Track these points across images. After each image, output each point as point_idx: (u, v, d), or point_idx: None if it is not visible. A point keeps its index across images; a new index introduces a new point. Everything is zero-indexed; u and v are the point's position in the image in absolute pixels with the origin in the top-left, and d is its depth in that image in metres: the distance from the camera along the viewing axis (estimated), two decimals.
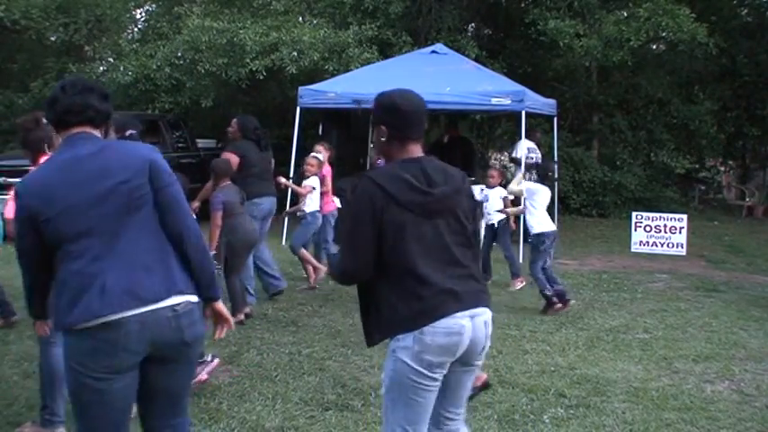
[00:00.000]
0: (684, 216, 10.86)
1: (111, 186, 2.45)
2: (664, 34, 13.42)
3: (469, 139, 13.29)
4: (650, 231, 10.68)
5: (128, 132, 4.78)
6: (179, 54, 13.49)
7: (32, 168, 3.83)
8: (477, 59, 12.45)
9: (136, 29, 19.04)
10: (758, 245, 12.02)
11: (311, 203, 7.43)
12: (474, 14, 15.48)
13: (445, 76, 10.09)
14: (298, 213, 7.65)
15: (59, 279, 2.47)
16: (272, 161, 7.30)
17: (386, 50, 13.05)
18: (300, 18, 13.41)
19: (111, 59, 16.24)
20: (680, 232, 10.62)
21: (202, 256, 2.61)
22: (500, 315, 6.64)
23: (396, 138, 2.69)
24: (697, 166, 18.13)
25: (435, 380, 2.61)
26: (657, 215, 10.91)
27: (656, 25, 12.65)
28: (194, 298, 2.58)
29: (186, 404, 2.76)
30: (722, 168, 20.30)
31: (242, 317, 6.01)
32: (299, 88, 10.32)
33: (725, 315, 6.97)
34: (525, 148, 10.23)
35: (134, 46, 15.08)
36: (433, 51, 11.24)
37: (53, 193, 2.44)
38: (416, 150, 2.70)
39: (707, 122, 16.24)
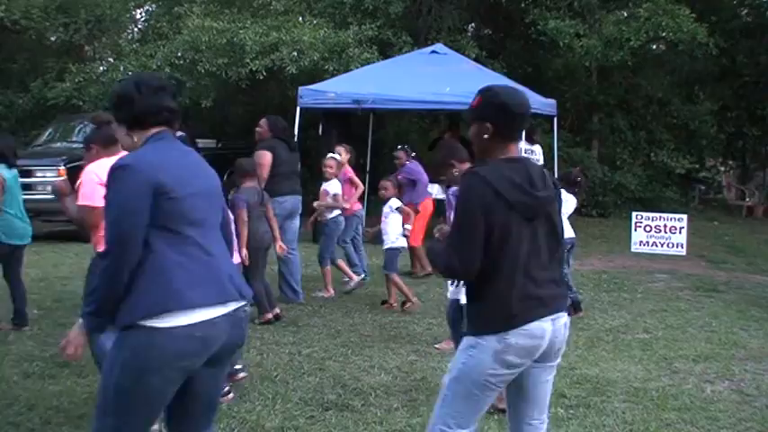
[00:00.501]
0: (684, 216, 10.86)
1: (214, 186, 2.60)
2: (664, 34, 13.41)
3: (470, 140, 13.26)
4: (650, 231, 10.68)
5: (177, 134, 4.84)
6: (179, 54, 13.49)
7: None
8: (477, 59, 12.45)
9: (136, 29, 19.04)
10: (758, 245, 12.03)
11: (331, 210, 7.35)
12: (474, 14, 15.48)
13: (445, 76, 10.08)
14: (319, 219, 7.52)
15: (164, 263, 2.36)
16: (299, 162, 7.29)
17: (386, 50, 13.06)
18: (300, 18, 13.40)
19: (111, 59, 16.24)
20: (680, 232, 10.62)
21: None
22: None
23: (499, 136, 2.64)
24: (697, 166, 18.12)
25: (505, 381, 2.65)
26: (657, 215, 10.91)
27: (656, 25, 12.65)
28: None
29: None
30: (722, 168, 20.32)
31: (269, 316, 6.09)
32: (299, 88, 10.32)
33: (725, 315, 6.97)
34: (522, 150, 10.24)
35: (134, 46, 15.09)
36: (433, 51, 11.24)
37: (181, 173, 2.43)
38: (515, 150, 2.70)
39: (707, 122, 16.25)
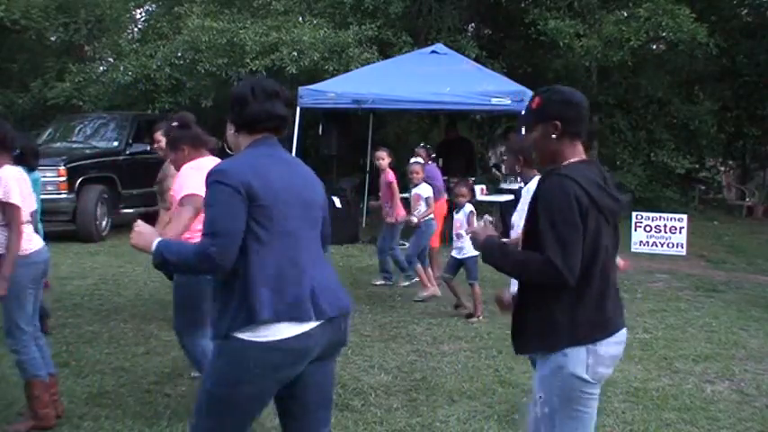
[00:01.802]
0: (684, 216, 10.86)
1: (313, 198, 2.57)
2: (664, 34, 13.41)
3: (469, 140, 13.29)
4: (650, 231, 10.68)
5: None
6: (179, 54, 13.50)
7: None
8: (477, 59, 12.45)
9: (136, 29, 19.05)
10: (758, 245, 12.02)
11: (424, 211, 7.35)
12: (474, 14, 15.48)
13: (445, 76, 10.09)
14: (412, 224, 7.42)
15: (258, 275, 2.36)
16: None
17: (386, 50, 13.06)
18: (300, 18, 13.40)
19: (111, 59, 16.26)
20: (680, 232, 10.62)
21: None
22: (501, 315, 6.64)
23: (568, 134, 2.52)
24: (697, 166, 18.10)
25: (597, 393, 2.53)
26: (657, 215, 10.91)
27: (656, 25, 12.65)
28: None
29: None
30: (722, 168, 20.30)
31: None
32: (299, 88, 10.32)
33: (725, 315, 6.97)
34: (498, 153, 10.30)
35: (134, 46, 15.09)
36: (433, 51, 11.24)
37: (273, 180, 2.42)
38: (583, 150, 2.57)
39: (707, 122, 16.23)
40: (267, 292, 2.35)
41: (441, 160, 9.89)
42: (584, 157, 2.57)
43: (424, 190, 7.37)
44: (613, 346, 2.50)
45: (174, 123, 4.14)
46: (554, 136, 2.52)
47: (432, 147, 9.10)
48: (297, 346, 2.38)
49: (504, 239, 4.36)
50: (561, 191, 2.39)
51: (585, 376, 2.44)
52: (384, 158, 7.68)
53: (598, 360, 2.45)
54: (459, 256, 6.61)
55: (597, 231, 2.42)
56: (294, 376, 2.45)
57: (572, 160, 2.53)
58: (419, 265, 7.39)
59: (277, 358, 2.37)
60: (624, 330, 2.57)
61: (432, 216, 7.43)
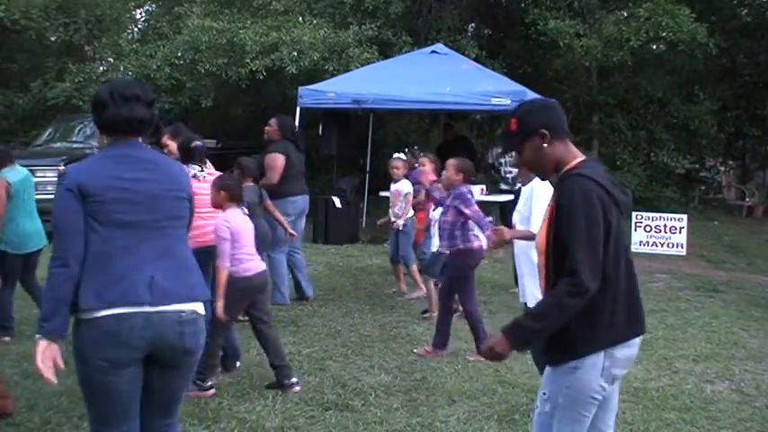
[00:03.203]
0: (684, 216, 10.86)
1: (165, 192, 2.63)
2: (664, 34, 13.40)
3: (469, 139, 13.29)
4: (650, 231, 10.68)
5: (193, 144, 4.92)
6: (179, 54, 13.50)
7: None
8: (477, 59, 12.44)
9: (136, 29, 19.03)
10: (758, 245, 12.02)
11: (403, 208, 7.32)
12: (474, 14, 15.48)
13: (445, 76, 10.08)
14: (398, 227, 7.30)
15: (87, 265, 2.50)
16: (304, 162, 7.32)
17: (386, 50, 13.05)
18: (300, 18, 13.39)
19: (111, 59, 16.23)
20: (680, 232, 10.62)
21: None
22: (500, 315, 6.64)
23: (558, 137, 2.52)
24: (697, 166, 18.13)
25: (606, 394, 2.52)
26: (657, 215, 10.91)
27: (656, 25, 12.64)
28: (201, 309, 2.68)
29: (178, 408, 2.83)
30: (722, 168, 20.30)
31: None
32: (299, 88, 10.32)
33: (725, 315, 6.97)
34: (495, 154, 10.32)
35: (134, 46, 15.08)
36: (433, 51, 11.24)
37: (112, 178, 2.54)
38: (577, 150, 2.55)
39: (707, 122, 16.23)
40: (93, 282, 2.47)
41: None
42: (581, 155, 2.55)
43: (404, 186, 7.31)
44: (630, 347, 2.49)
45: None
46: (545, 145, 2.51)
47: (419, 148, 8.98)
48: (108, 327, 2.47)
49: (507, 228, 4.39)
50: (582, 193, 2.36)
51: (600, 379, 2.43)
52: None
53: (614, 362, 2.44)
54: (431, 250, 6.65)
55: (618, 228, 2.42)
56: (123, 361, 2.50)
57: (578, 160, 2.51)
58: (414, 266, 7.37)
59: (94, 335, 2.47)
60: (642, 332, 2.54)
61: (412, 212, 7.37)
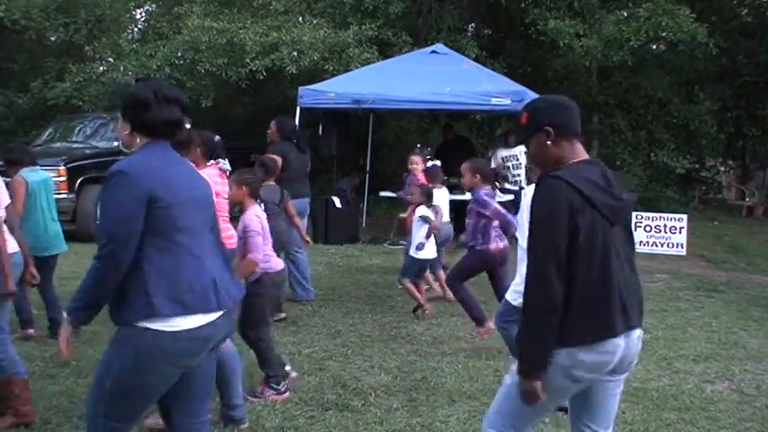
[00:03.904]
0: (684, 216, 10.86)
1: (204, 195, 2.68)
2: (664, 34, 13.41)
3: (469, 138, 13.29)
4: (650, 231, 10.68)
5: (216, 138, 4.92)
6: (179, 54, 13.50)
7: None
8: (477, 59, 12.45)
9: (136, 29, 19.02)
10: (758, 245, 12.02)
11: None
12: (474, 14, 15.49)
13: (445, 76, 10.08)
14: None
15: (152, 270, 2.45)
16: (309, 162, 7.31)
17: (386, 50, 13.06)
18: (300, 18, 13.40)
19: (111, 59, 16.23)
20: (680, 232, 10.62)
21: None
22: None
23: (564, 135, 2.52)
24: (697, 166, 18.12)
25: (571, 393, 2.56)
26: (657, 215, 10.91)
27: (656, 25, 12.64)
28: None
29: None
30: (722, 168, 20.30)
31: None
32: (299, 88, 10.32)
33: (725, 315, 6.97)
34: (500, 158, 10.30)
35: (134, 46, 15.08)
36: (433, 51, 11.24)
37: (172, 182, 2.52)
38: (583, 151, 2.56)
39: (707, 122, 16.24)
40: (164, 289, 2.44)
41: (439, 161, 9.89)
42: (585, 156, 2.55)
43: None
44: (598, 354, 2.44)
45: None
46: (549, 142, 2.53)
47: (431, 149, 9.03)
48: (202, 335, 2.52)
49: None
50: (549, 195, 2.40)
51: (563, 379, 2.46)
52: (417, 162, 7.65)
53: (576, 364, 2.44)
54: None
55: (592, 231, 2.39)
56: (195, 365, 2.57)
57: (573, 161, 2.52)
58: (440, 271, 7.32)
59: (183, 346, 2.48)
60: (619, 340, 2.48)
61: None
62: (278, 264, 4.58)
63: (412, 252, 6.59)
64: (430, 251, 6.65)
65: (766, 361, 5.53)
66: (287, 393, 4.47)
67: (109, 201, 2.46)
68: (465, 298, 5.74)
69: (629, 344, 2.51)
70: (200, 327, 2.49)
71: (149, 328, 2.42)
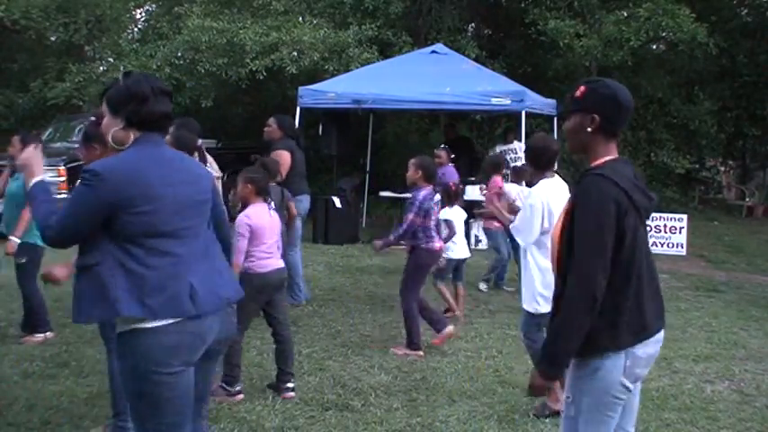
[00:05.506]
0: (684, 216, 10.86)
1: (198, 193, 2.60)
2: (664, 34, 13.42)
3: (471, 139, 13.30)
4: (650, 231, 10.66)
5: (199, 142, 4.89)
6: (179, 54, 13.50)
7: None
8: (477, 59, 12.46)
9: (136, 29, 19.04)
10: (758, 245, 12.02)
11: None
12: (474, 14, 15.48)
13: (445, 76, 10.09)
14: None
15: (132, 273, 2.40)
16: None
17: (386, 50, 13.06)
18: (300, 18, 13.40)
19: (111, 59, 16.25)
20: (680, 232, 10.62)
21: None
22: (500, 315, 6.65)
23: (605, 131, 2.46)
24: (697, 166, 18.10)
25: (629, 393, 2.49)
26: (657, 215, 10.90)
27: (656, 25, 12.65)
28: None
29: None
30: (722, 168, 20.28)
31: None
32: (299, 88, 10.33)
33: (725, 315, 6.97)
34: (498, 151, 10.37)
35: (134, 46, 15.09)
36: (433, 51, 11.25)
37: (154, 184, 2.43)
38: (616, 151, 2.52)
39: (707, 122, 16.23)
40: (150, 290, 2.39)
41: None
42: (615, 155, 2.51)
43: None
44: (651, 345, 2.47)
45: (92, 119, 3.86)
46: (589, 129, 2.46)
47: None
48: (193, 329, 2.46)
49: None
50: (599, 194, 2.35)
51: (623, 379, 2.41)
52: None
53: (636, 362, 2.43)
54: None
55: (635, 231, 2.40)
56: (196, 358, 2.51)
57: (605, 159, 2.48)
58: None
59: (176, 339, 2.42)
60: (662, 330, 2.53)
61: None
62: (265, 266, 4.44)
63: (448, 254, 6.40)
64: (462, 250, 6.60)
65: (766, 361, 5.53)
66: (240, 396, 4.43)
67: (75, 195, 2.44)
68: (413, 316, 5.50)
69: (658, 338, 2.55)
70: (169, 332, 2.40)
71: (143, 328, 2.38)
